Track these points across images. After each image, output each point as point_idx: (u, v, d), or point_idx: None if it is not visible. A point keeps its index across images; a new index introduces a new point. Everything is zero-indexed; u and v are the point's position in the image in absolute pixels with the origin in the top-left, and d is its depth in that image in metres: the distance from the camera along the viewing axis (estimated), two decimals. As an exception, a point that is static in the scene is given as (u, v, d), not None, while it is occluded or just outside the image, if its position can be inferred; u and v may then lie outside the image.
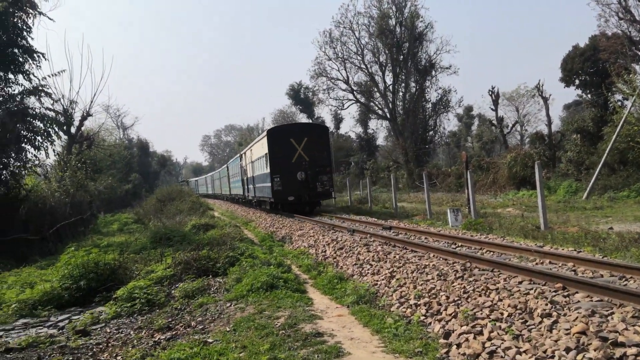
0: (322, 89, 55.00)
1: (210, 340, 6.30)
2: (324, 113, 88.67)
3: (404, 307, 7.18)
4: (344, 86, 53.71)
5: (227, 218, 27.80)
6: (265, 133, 24.69)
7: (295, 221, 20.52)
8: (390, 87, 51.54)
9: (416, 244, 11.27)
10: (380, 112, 54.17)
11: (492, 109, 47.60)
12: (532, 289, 6.66)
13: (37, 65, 19.96)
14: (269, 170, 23.16)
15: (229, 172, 42.69)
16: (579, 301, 5.98)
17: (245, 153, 31.96)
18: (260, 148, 25.51)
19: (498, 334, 5.42)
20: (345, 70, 52.80)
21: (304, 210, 23.18)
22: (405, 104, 51.34)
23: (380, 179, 47.19)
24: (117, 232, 23.55)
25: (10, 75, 19.44)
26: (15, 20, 19.08)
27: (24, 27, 19.53)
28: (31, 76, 19.77)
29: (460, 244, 11.31)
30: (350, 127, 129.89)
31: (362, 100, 54.57)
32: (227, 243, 13.23)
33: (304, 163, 22.73)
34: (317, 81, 54.46)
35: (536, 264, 8.49)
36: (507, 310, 5.96)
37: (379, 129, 59.93)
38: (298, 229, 17.91)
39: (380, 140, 61.63)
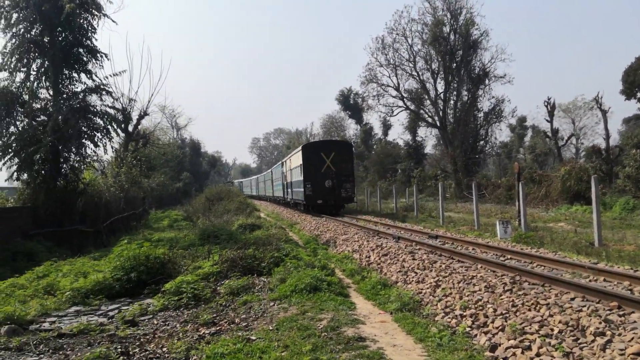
0: (371, 95, 54.60)
1: (253, 337, 6.38)
2: (373, 119, 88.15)
3: (448, 317, 7.06)
4: (394, 93, 53.20)
5: (273, 219, 28.13)
6: (300, 147, 29.40)
7: (340, 225, 20.54)
8: (442, 95, 50.68)
9: (463, 254, 11.06)
10: (429, 119, 53.38)
11: (547, 120, 46.23)
12: (585, 306, 6.42)
13: (100, 65, 20.83)
14: (302, 178, 27.41)
15: (272, 177, 46.52)
16: (635, 321, 5.72)
17: (285, 161, 36.43)
18: (297, 159, 29.74)
19: (547, 350, 5.24)
20: (396, 76, 52.30)
21: (331, 212, 26.90)
22: (456, 113, 50.38)
23: (427, 188, 46.44)
24: (167, 228, 24.24)
25: (74, 74, 20.37)
26: (81, 21, 19.97)
27: (89, 28, 20.40)
28: (94, 75, 20.64)
29: (509, 256, 11.02)
30: (398, 134, 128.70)
31: (412, 107, 53.91)
32: (273, 244, 13.36)
33: (331, 173, 26.92)
34: (367, 87, 54.12)
35: (590, 280, 8.18)
36: (557, 327, 5.76)
37: (428, 137, 58.59)
38: (342, 233, 17.90)
39: (428, 149, 60.66)
